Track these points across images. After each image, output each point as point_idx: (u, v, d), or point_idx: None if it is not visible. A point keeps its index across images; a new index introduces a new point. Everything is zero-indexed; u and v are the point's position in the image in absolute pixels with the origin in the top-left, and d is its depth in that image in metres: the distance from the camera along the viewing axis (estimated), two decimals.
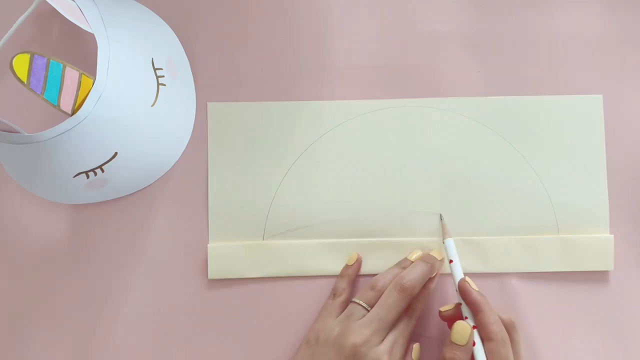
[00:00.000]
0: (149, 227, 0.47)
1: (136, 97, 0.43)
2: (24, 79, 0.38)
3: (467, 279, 0.42)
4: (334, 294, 0.45)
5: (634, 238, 0.46)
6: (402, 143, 0.47)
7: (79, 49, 0.48)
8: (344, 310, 0.43)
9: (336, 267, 0.46)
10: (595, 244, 0.46)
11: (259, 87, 0.48)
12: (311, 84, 0.48)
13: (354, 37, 0.48)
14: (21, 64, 0.38)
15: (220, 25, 0.48)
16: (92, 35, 0.41)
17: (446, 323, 0.44)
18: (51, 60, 0.39)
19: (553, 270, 0.46)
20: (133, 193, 0.47)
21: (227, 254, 0.46)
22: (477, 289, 0.42)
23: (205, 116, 0.47)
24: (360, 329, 0.41)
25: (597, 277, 0.46)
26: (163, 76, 0.45)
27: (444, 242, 0.45)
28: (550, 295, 0.46)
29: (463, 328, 0.40)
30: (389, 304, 0.41)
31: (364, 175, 0.47)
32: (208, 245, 0.46)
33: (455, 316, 0.42)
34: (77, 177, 0.43)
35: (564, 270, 0.45)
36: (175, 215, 0.47)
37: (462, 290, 0.42)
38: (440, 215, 0.46)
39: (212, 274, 0.46)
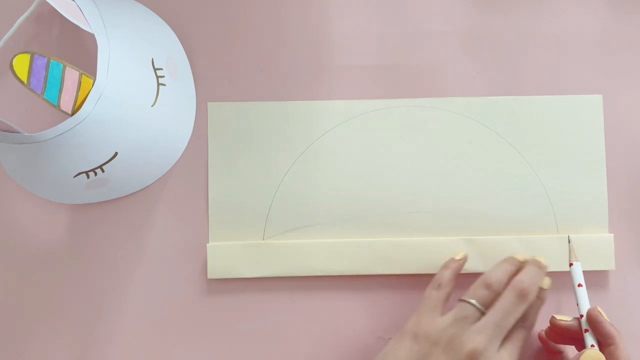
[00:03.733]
0: (149, 227, 0.47)
1: (136, 97, 0.43)
2: (24, 79, 0.38)
3: (599, 308, 0.40)
4: (438, 284, 0.41)
5: (634, 238, 0.46)
6: (401, 143, 0.47)
7: (79, 49, 0.48)
8: (445, 303, 0.41)
9: (336, 267, 0.46)
10: (595, 244, 0.46)
11: (259, 87, 0.48)
12: (311, 83, 0.48)
13: (354, 37, 0.48)
14: (21, 64, 0.38)
15: (220, 25, 0.48)
16: (92, 35, 0.41)
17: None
18: (51, 60, 0.39)
19: (553, 270, 0.45)
20: (133, 193, 0.47)
21: (227, 254, 0.46)
22: (608, 320, 0.40)
23: (205, 116, 0.47)
24: (476, 335, 0.37)
25: (597, 276, 0.46)
26: (163, 76, 0.45)
27: (570, 265, 0.43)
28: (550, 295, 0.46)
29: (598, 356, 0.38)
30: (507, 309, 0.38)
31: (364, 175, 0.47)
32: (208, 245, 0.46)
33: (562, 335, 0.41)
34: (77, 177, 0.43)
35: (564, 270, 0.45)
36: (175, 215, 0.47)
37: (595, 321, 0.40)
38: (569, 237, 0.45)
39: (211, 274, 0.46)
